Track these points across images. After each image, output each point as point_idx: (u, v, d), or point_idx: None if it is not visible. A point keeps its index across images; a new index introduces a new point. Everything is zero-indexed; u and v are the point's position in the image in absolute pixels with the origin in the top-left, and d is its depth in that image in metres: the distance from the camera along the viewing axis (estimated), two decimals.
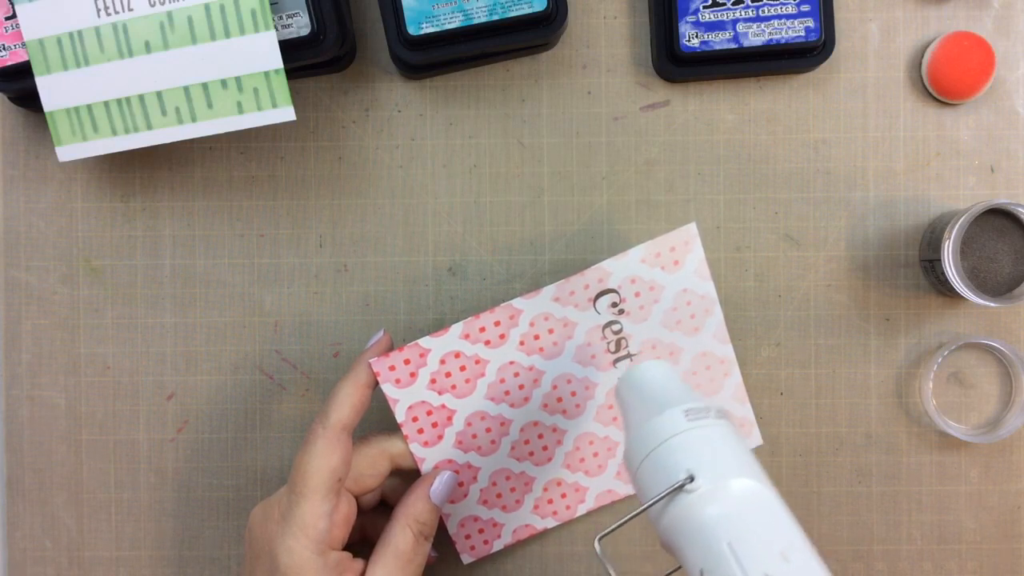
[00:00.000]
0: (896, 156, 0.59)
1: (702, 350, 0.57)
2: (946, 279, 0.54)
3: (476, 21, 0.54)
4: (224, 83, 0.53)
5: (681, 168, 0.59)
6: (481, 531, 0.58)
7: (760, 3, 0.56)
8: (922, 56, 0.59)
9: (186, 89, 0.53)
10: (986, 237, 0.55)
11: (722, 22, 0.56)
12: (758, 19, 0.56)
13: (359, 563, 0.50)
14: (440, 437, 0.55)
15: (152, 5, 0.52)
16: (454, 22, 0.54)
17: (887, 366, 0.59)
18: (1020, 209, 0.54)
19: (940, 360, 0.58)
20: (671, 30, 0.57)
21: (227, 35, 0.52)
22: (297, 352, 0.60)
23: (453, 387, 0.55)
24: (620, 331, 0.56)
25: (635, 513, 0.42)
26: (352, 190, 0.59)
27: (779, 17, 0.56)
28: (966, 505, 0.59)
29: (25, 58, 0.53)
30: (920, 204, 0.59)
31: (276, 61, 0.52)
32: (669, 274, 0.56)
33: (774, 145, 0.59)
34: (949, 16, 0.59)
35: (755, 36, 0.56)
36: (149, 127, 0.53)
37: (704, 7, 0.56)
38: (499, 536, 0.58)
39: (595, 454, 0.57)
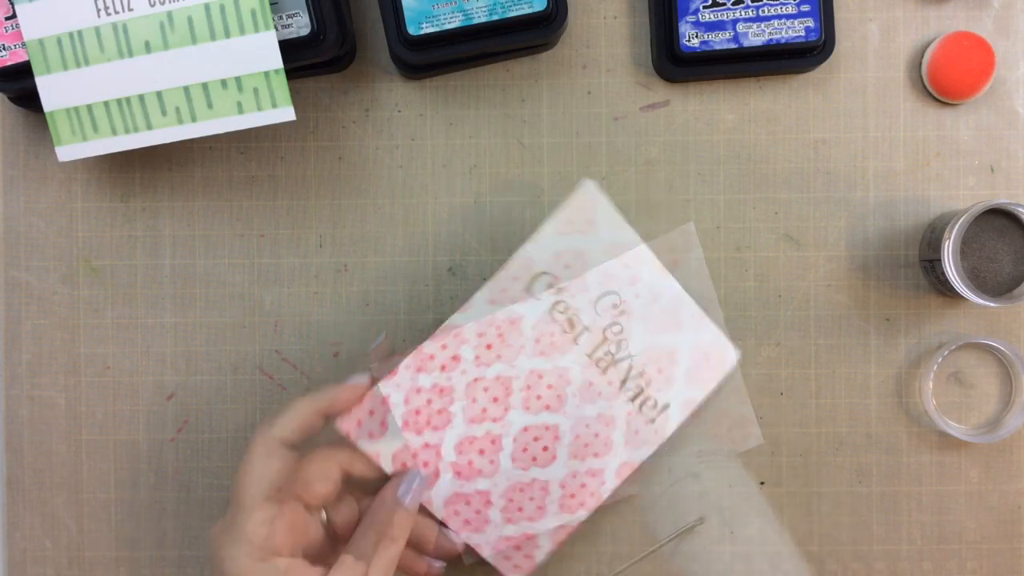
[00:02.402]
0: (896, 156, 0.59)
1: (698, 346, 0.57)
2: (946, 279, 0.54)
3: (476, 21, 0.54)
4: (224, 83, 0.53)
5: (681, 168, 0.59)
6: (518, 548, 0.57)
7: (760, 3, 0.56)
8: (922, 56, 0.59)
9: (186, 89, 0.53)
10: (986, 237, 0.55)
11: (722, 22, 0.56)
12: (758, 19, 0.56)
13: (316, 570, 0.49)
14: (436, 475, 0.55)
15: (152, 5, 0.52)
16: (454, 22, 0.54)
17: (887, 366, 0.59)
18: (1020, 209, 0.54)
19: (940, 360, 0.58)
20: (671, 30, 0.57)
21: (227, 35, 0.52)
22: (297, 352, 0.60)
23: (428, 422, 0.55)
24: (566, 309, 0.56)
25: (646, 553, 0.42)
26: (352, 190, 0.59)
27: (779, 17, 0.56)
28: (966, 505, 0.59)
29: (25, 58, 0.53)
30: (920, 204, 0.59)
31: (276, 61, 0.52)
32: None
33: (774, 145, 0.59)
34: (949, 16, 0.59)
35: (755, 36, 0.56)
36: (149, 127, 0.53)
37: (704, 7, 0.56)
38: (538, 546, 0.57)
39: (596, 435, 0.57)
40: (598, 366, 0.56)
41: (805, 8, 0.56)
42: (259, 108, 0.53)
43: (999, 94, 0.59)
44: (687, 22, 0.56)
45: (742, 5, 0.56)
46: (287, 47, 0.53)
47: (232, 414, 0.60)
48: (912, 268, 0.59)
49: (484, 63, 0.59)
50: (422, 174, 0.59)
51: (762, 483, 0.59)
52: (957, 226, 0.53)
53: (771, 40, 0.56)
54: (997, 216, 0.55)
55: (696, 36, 0.56)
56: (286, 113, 0.53)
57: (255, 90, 0.53)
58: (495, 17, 0.54)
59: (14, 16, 0.53)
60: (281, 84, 0.52)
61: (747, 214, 0.59)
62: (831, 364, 0.59)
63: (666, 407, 0.55)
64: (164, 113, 0.53)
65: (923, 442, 0.59)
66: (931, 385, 0.59)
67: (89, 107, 0.53)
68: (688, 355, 0.56)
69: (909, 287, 0.59)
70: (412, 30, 0.54)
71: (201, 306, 0.60)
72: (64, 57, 0.53)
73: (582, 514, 0.57)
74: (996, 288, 0.56)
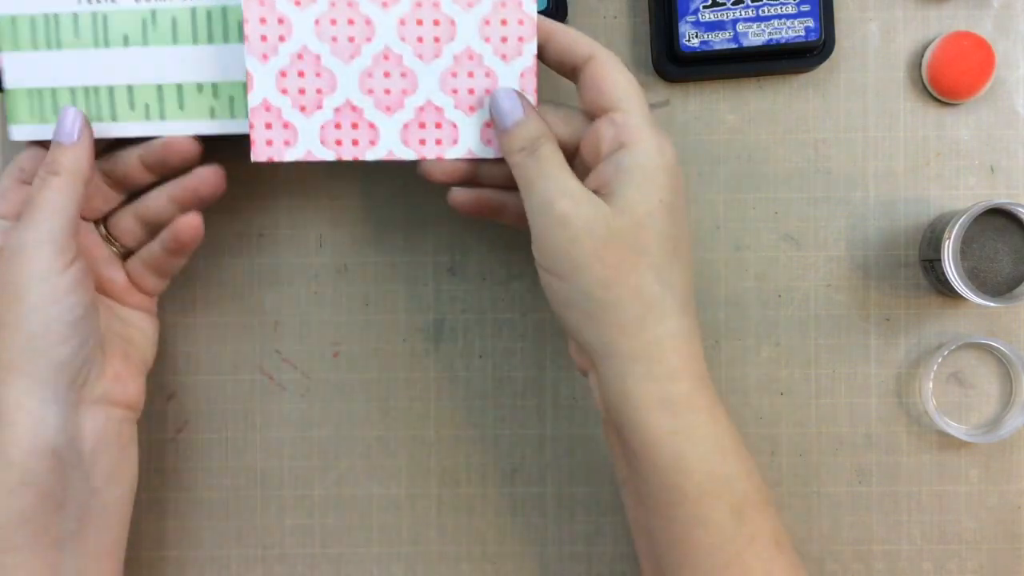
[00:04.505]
0: (896, 156, 0.59)
1: None
2: (946, 279, 0.54)
3: None
4: (200, 87, 0.52)
5: (681, 168, 0.59)
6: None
7: (760, 3, 0.56)
8: (922, 56, 0.59)
9: (159, 87, 0.52)
10: (986, 237, 0.55)
11: (722, 22, 0.56)
12: (758, 19, 0.56)
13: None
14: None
15: (138, 0, 0.52)
16: None
17: (887, 366, 0.59)
18: (1020, 209, 0.54)
19: (940, 360, 0.58)
20: (671, 30, 0.57)
21: (210, 41, 0.52)
22: (297, 352, 0.60)
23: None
24: None
25: None
26: (352, 190, 0.59)
27: (779, 17, 0.56)
28: (966, 505, 0.59)
29: None
30: (920, 204, 0.59)
31: None
32: None
33: (774, 145, 0.59)
34: (949, 16, 0.59)
35: (755, 36, 0.56)
36: (114, 118, 0.53)
37: (704, 7, 0.56)
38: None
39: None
40: None
41: (805, 8, 0.56)
42: (232, 116, 0.53)
43: (999, 94, 0.59)
44: (687, 22, 0.56)
45: (742, 5, 0.56)
46: None
47: (232, 414, 0.60)
48: (912, 268, 0.59)
49: None
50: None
51: None
52: (957, 226, 0.53)
53: (771, 40, 0.56)
54: (997, 216, 0.55)
55: (696, 36, 0.56)
56: None
57: (231, 98, 0.52)
58: None
59: None
60: None
61: (747, 214, 0.59)
62: (831, 364, 0.59)
63: None
64: (132, 107, 0.53)
65: (923, 442, 0.59)
66: (931, 385, 0.59)
67: (53, 90, 0.53)
68: None
69: (909, 287, 0.59)
70: None
71: (201, 306, 0.60)
72: (35, 37, 0.52)
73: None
74: (996, 288, 0.56)
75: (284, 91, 0.51)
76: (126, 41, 0.52)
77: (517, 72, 0.52)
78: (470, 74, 0.51)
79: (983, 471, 0.59)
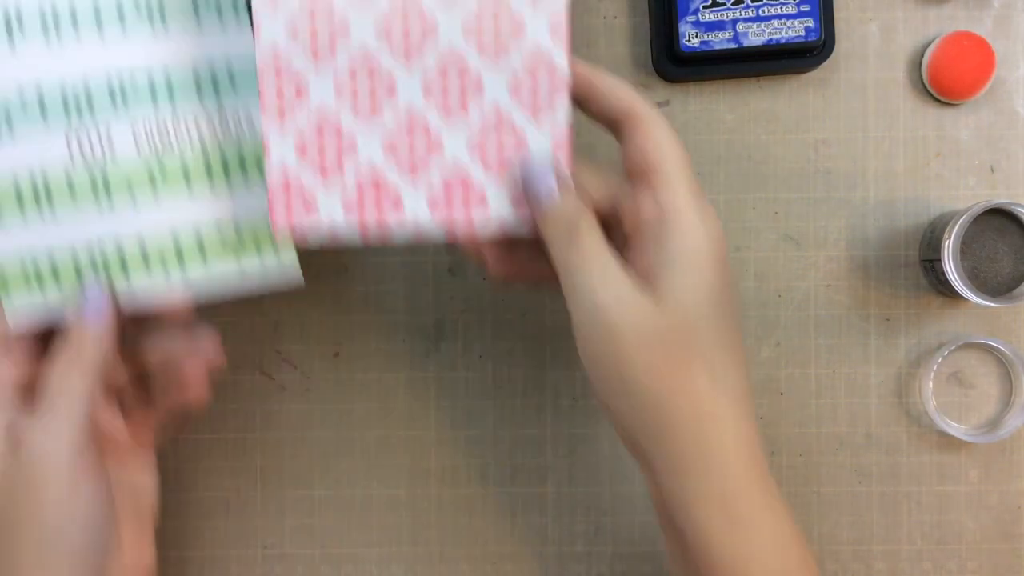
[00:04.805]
0: (896, 156, 0.59)
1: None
2: (946, 279, 0.54)
3: None
4: (222, 235, 0.48)
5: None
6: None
7: (760, 3, 0.56)
8: (922, 56, 0.59)
9: (176, 239, 0.47)
10: (986, 237, 0.55)
11: (722, 22, 0.56)
12: (758, 19, 0.56)
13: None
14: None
15: (139, 152, 0.46)
16: None
17: (887, 366, 0.59)
18: (1020, 209, 0.54)
19: (940, 360, 0.58)
20: (671, 30, 0.57)
21: (229, 185, 0.47)
22: (297, 352, 0.60)
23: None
24: None
25: None
26: None
27: (779, 17, 0.56)
28: (966, 505, 0.59)
29: None
30: (920, 204, 0.59)
31: None
32: None
33: (774, 145, 0.59)
34: (949, 16, 0.59)
35: (755, 36, 0.56)
36: (127, 279, 0.47)
37: (704, 7, 0.56)
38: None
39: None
40: None
41: (805, 8, 0.56)
42: (259, 257, 0.48)
43: (999, 94, 0.59)
44: (687, 22, 0.56)
45: (742, 5, 0.56)
46: None
47: (232, 414, 0.60)
48: (912, 268, 0.59)
49: None
50: None
51: None
52: (957, 226, 0.54)
53: (771, 40, 0.56)
54: (997, 216, 0.55)
55: (696, 36, 0.56)
56: (288, 259, 0.48)
57: (257, 243, 0.48)
58: None
59: None
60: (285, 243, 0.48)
61: (747, 214, 0.59)
62: (831, 364, 0.59)
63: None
64: (147, 265, 0.47)
65: (923, 442, 0.59)
66: (931, 385, 0.59)
67: (52, 259, 0.46)
68: None
69: (909, 287, 0.59)
70: None
71: (201, 306, 0.59)
72: (22, 205, 0.46)
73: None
74: (996, 288, 0.56)
75: (303, 153, 0.46)
76: (132, 193, 0.47)
77: (548, 130, 0.48)
78: (499, 132, 0.47)
79: (983, 471, 0.59)
